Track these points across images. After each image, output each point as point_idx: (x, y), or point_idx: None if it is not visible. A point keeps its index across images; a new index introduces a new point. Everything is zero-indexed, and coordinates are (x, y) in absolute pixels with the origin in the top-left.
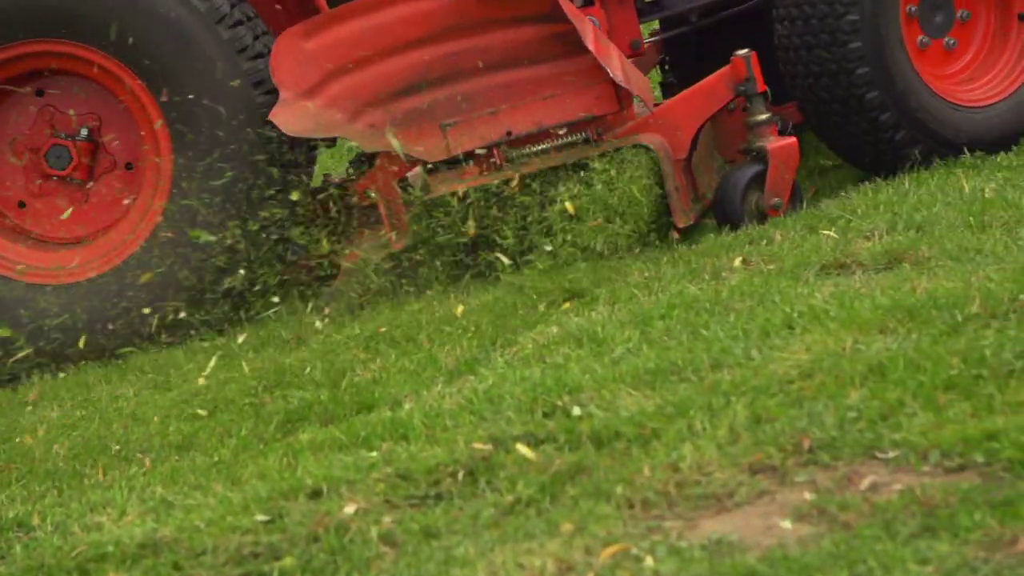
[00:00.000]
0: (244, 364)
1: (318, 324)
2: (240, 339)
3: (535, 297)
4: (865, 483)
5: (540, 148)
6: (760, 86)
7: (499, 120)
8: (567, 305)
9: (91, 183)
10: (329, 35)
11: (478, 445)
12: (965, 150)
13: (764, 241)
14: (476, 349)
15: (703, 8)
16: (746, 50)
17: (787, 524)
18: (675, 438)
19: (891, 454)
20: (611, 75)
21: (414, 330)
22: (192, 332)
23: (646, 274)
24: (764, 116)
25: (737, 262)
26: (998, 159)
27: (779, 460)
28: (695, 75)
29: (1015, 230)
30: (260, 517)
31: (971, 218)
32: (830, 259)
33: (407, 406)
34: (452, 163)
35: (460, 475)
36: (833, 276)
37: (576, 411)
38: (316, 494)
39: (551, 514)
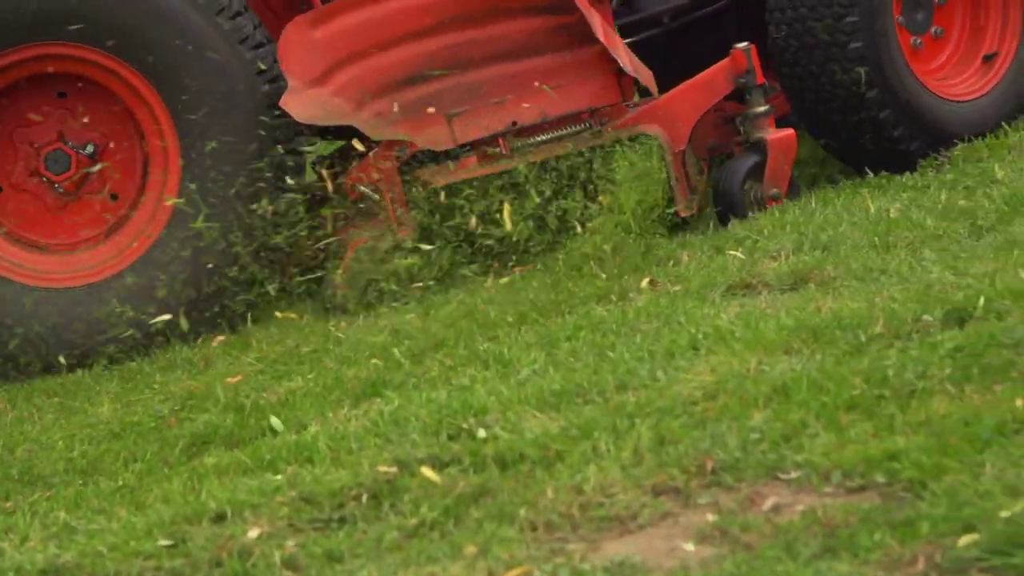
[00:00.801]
0: (151, 387)
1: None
2: (147, 362)
3: (441, 319)
4: (767, 504)
5: (544, 138)
6: (760, 78)
7: (505, 110)
8: (475, 327)
9: (72, 197)
10: (336, 24)
11: (383, 468)
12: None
13: (671, 262)
14: (383, 371)
15: (675, 10)
16: (746, 43)
17: (690, 546)
18: (579, 460)
19: (793, 475)
20: (621, 64)
21: (322, 352)
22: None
23: (554, 296)
24: (763, 108)
25: (644, 283)
26: (903, 179)
27: (682, 482)
28: (662, 76)
29: (919, 250)
30: (163, 542)
31: (876, 238)
32: (736, 280)
33: (313, 429)
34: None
35: (364, 498)
36: (739, 297)
37: (481, 433)
38: (220, 518)
39: (454, 537)
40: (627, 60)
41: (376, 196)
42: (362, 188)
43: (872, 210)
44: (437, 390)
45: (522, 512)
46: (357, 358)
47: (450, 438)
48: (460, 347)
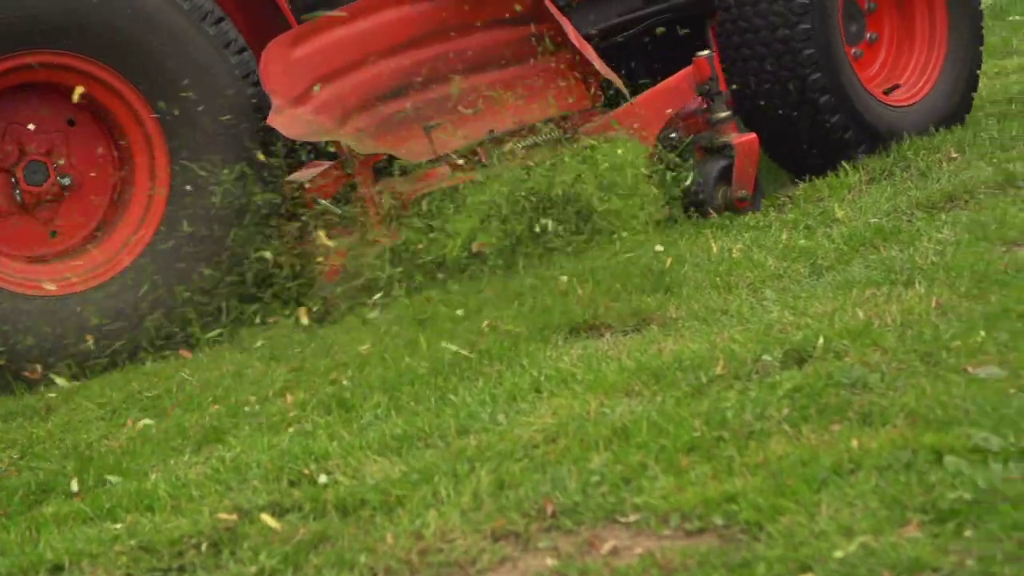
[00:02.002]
0: None
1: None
2: None
3: (285, 362)
4: (606, 547)
5: (519, 145)
6: (722, 85)
7: (481, 120)
8: (318, 370)
9: (29, 209)
10: (315, 43)
11: (223, 515)
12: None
13: (515, 302)
14: (225, 416)
15: (603, 32)
16: (707, 51)
17: None
18: (419, 505)
19: (632, 518)
20: (597, 68)
21: (164, 398)
22: None
23: (399, 338)
24: (726, 113)
25: (486, 324)
26: (746, 219)
27: (522, 526)
28: None
29: (760, 290)
30: None
31: (718, 279)
32: (580, 321)
33: (153, 476)
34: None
35: (204, 546)
36: (582, 339)
37: (322, 479)
38: (57, 569)
39: None
40: (600, 65)
41: (336, 210)
42: (322, 201)
43: (715, 250)
44: (279, 435)
45: (362, 559)
46: (200, 403)
47: (291, 484)
48: (302, 391)
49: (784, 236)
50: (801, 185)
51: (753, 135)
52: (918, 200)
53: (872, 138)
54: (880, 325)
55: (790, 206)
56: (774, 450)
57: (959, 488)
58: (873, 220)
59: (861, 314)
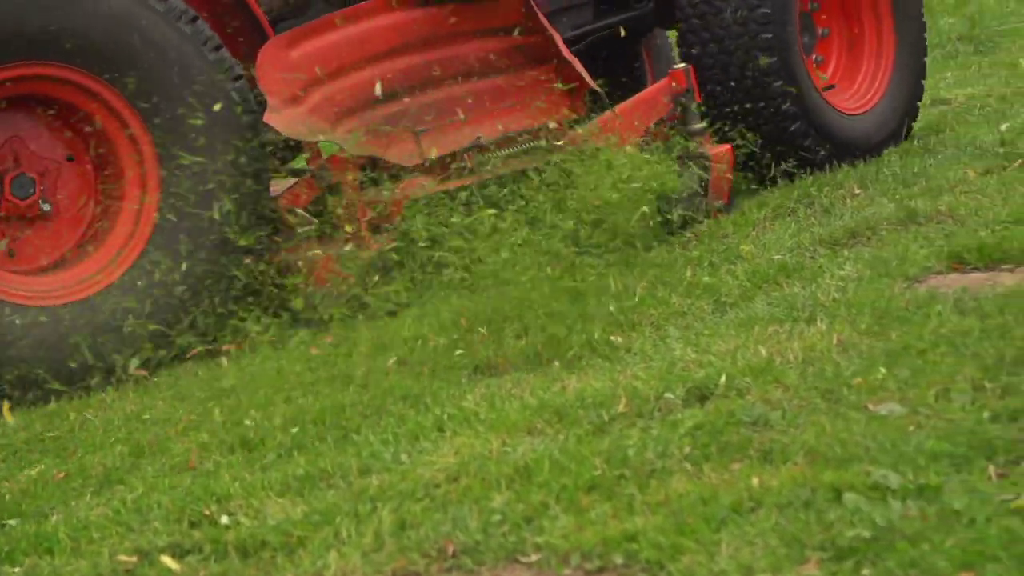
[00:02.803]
0: None
1: None
2: None
3: (189, 401)
4: None
5: (504, 153)
6: (697, 97)
7: (469, 126)
8: (222, 409)
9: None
10: (310, 45)
11: (123, 557)
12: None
13: (419, 341)
14: (127, 457)
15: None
16: (684, 64)
17: None
18: (321, 546)
19: (533, 557)
20: (585, 79)
21: (67, 438)
22: None
23: (303, 378)
24: (702, 125)
25: (391, 362)
26: (651, 255)
27: (423, 566)
28: None
29: (664, 328)
30: None
31: (622, 316)
32: (483, 359)
33: (53, 518)
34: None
35: None
36: (486, 378)
37: (224, 520)
38: None
39: None
40: (587, 75)
41: (314, 220)
42: (298, 211)
43: (619, 287)
44: (181, 476)
45: None
46: (102, 444)
47: (192, 525)
48: (205, 431)
49: (688, 273)
50: (706, 222)
51: (728, 146)
52: (821, 237)
53: (829, 145)
54: (782, 362)
55: (695, 243)
56: (675, 488)
57: (858, 526)
58: (777, 257)
59: (763, 351)
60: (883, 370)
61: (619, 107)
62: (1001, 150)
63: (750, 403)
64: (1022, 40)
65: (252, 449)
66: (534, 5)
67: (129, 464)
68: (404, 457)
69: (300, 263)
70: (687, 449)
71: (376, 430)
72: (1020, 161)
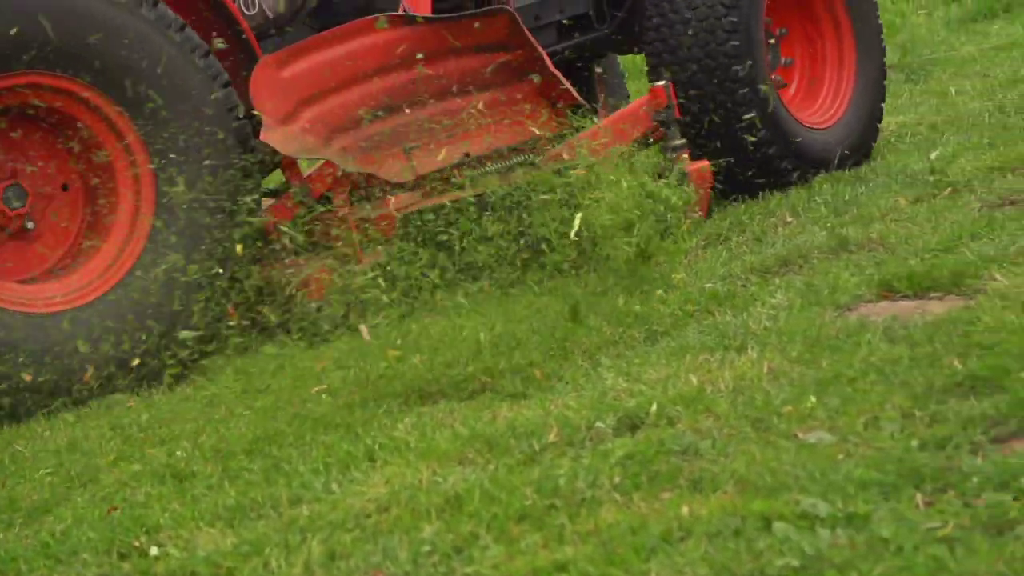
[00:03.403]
0: None
1: None
2: None
3: (121, 431)
4: None
5: (490, 169)
6: (676, 113)
7: (458, 142)
8: (150, 440)
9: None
10: (302, 64)
11: None
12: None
13: (352, 369)
14: (57, 487)
15: None
16: (664, 80)
17: None
18: None
19: None
20: (572, 94)
21: None
22: None
23: (235, 409)
24: (681, 141)
25: (322, 389)
26: (584, 282)
27: None
28: None
29: (595, 356)
30: None
31: (554, 345)
32: (415, 388)
33: None
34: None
35: None
36: (417, 406)
37: (153, 551)
38: None
39: None
40: (574, 91)
41: (300, 237)
42: (283, 228)
43: (551, 315)
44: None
45: None
46: (32, 474)
47: (121, 557)
48: (135, 462)
49: (620, 301)
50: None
51: (705, 162)
52: (753, 265)
53: (796, 158)
54: (713, 391)
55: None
56: (605, 518)
57: (787, 554)
58: (708, 285)
59: (694, 380)
60: (813, 398)
61: (604, 120)
62: (931, 178)
63: (680, 432)
64: (953, 69)
65: (183, 479)
66: (520, 23)
67: (59, 495)
68: (335, 487)
69: (284, 280)
70: (617, 479)
71: (307, 460)
72: (950, 189)
